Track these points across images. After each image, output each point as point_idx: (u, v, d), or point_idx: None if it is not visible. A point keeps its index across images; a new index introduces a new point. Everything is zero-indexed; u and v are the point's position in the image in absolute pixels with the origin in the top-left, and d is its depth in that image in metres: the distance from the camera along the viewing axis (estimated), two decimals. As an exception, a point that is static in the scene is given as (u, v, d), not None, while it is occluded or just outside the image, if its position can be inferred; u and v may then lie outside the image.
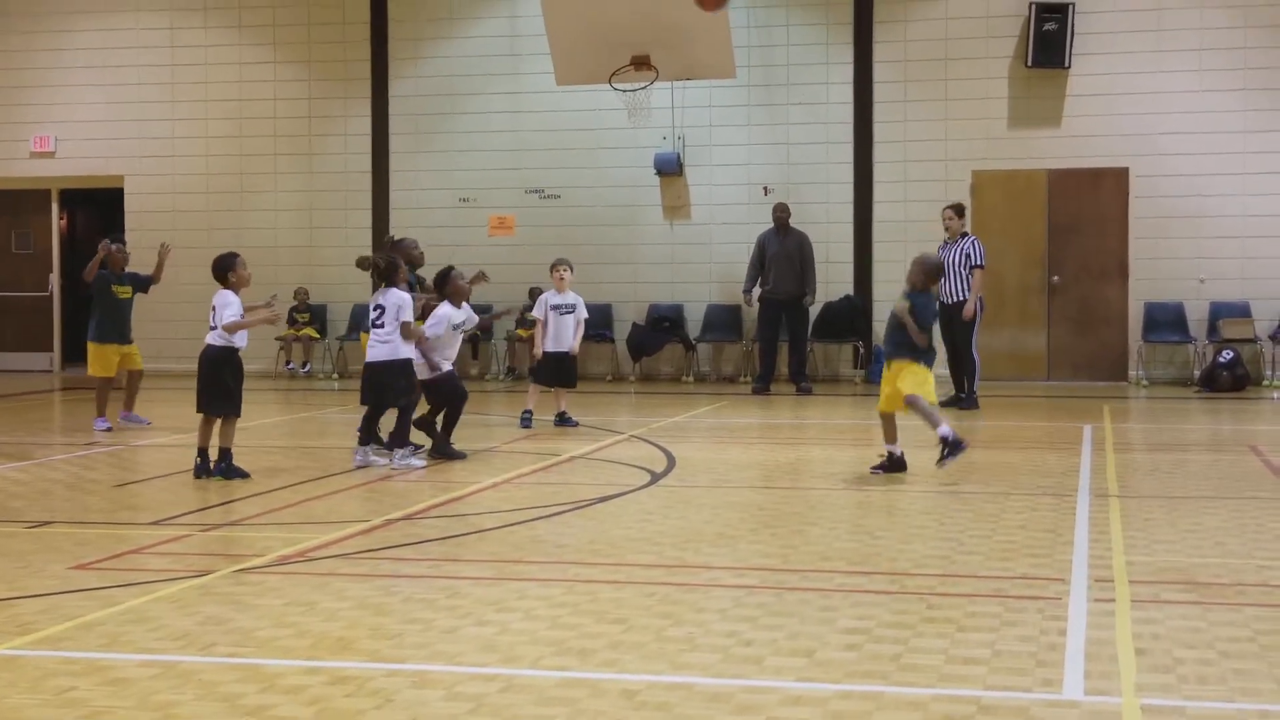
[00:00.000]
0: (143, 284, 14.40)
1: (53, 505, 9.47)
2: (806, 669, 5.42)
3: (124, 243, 14.75)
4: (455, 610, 6.39)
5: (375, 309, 11.31)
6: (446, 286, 12.03)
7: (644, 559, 7.56)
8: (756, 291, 18.52)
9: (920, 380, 10.43)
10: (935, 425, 10.31)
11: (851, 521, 8.92)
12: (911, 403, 10.33)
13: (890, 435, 10.63)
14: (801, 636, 5.90)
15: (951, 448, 10.24)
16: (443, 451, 11.62)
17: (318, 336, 21.30)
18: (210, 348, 10.62)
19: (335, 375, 21.11)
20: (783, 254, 18.29)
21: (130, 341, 14.26)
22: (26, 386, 19.59)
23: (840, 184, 19.77)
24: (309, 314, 21.10)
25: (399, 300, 11.23)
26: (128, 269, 14.44)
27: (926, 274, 10.72)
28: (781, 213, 18.53)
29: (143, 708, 4.91)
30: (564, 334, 14.10)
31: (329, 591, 6.76)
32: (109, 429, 13.66)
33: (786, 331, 18.40)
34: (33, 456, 12.07)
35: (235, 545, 8.05)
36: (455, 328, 11.94)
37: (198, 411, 10.67)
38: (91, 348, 14.09)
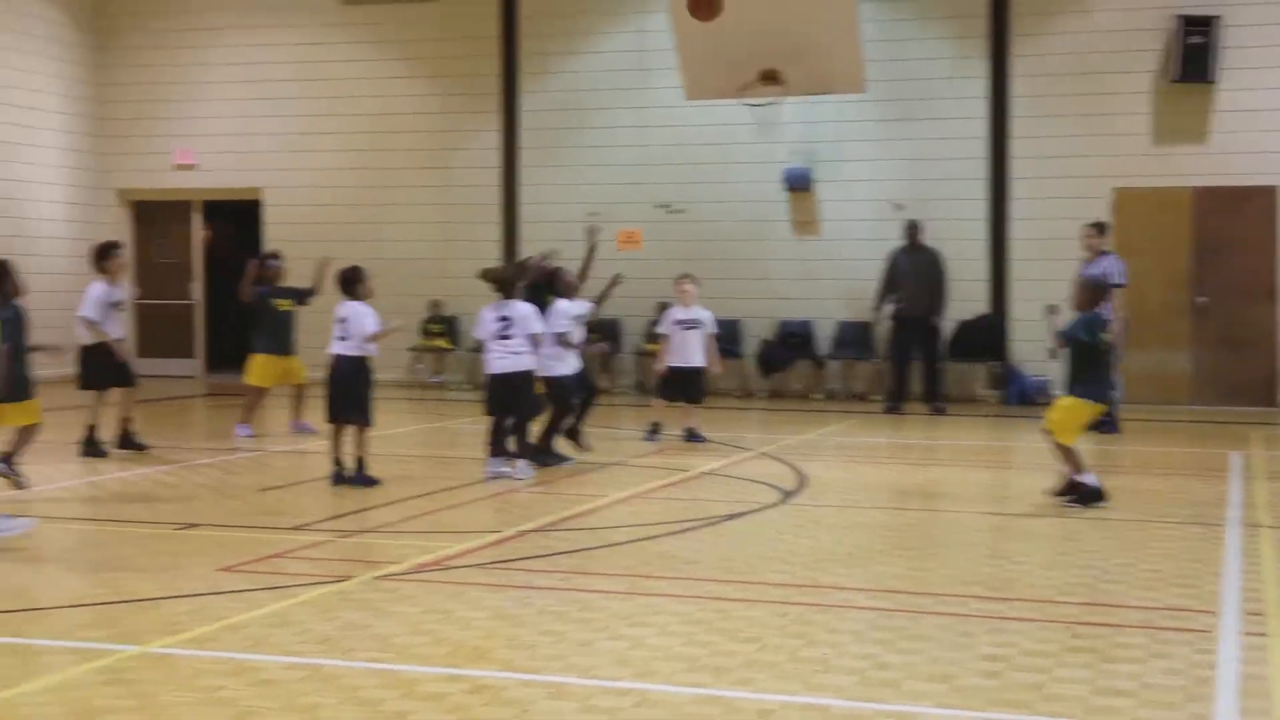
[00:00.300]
0: (301, 296, 14.64)
1: (199, 509, 9.69)
2: (946, 695, 5.38)
3: (278, 257, 14.95)
4: (589, 623, 6.44)
5: (501, 320, 11.42)
6: (558, 284, 12.25)
7: (776, 578, 7.55)
8: (887, 309, 18.39)
9: (1065, 413, 10.05)
10: (1070, 467, 10.07)
11: (988, 545, 8.82)
12: (1045, 435, 10.17)
13: (1074, 465, 10.08)
14: (940, 662, 5.85)
15: (1083, 497, 9.91)
16: (548, 456, 11.79)
17: (450, 347, 21.55)
18: (342, 358, 10.82)
19: (467, 385, 21.33)
20: (913, 271, 18.16)
21: (292, 353, 14.47)
22: (171, 392, 20.05)
23: (973, 200, 19.56)
24: (442, 324, 21.36)
25: (525, 312, 11.37)
26: (286, 282, 14.68)
27: (1086, 292, 10.37)
28: (913, 229, 18.41)
29: (289, 710, 5.01)
30: (689, 349, 14.15)
31: (464, 600, 6.84)
32: (251, 435, 13.94)
33: (918, 350, 18.24)
34: (179, 461, 12.37)
35: (372, 552, 8.18)
36: (577, 319, 12.09)
37: (329, 421, 10.87)
38: (255, 359, 14.35)
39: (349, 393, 10.80)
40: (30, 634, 6.07)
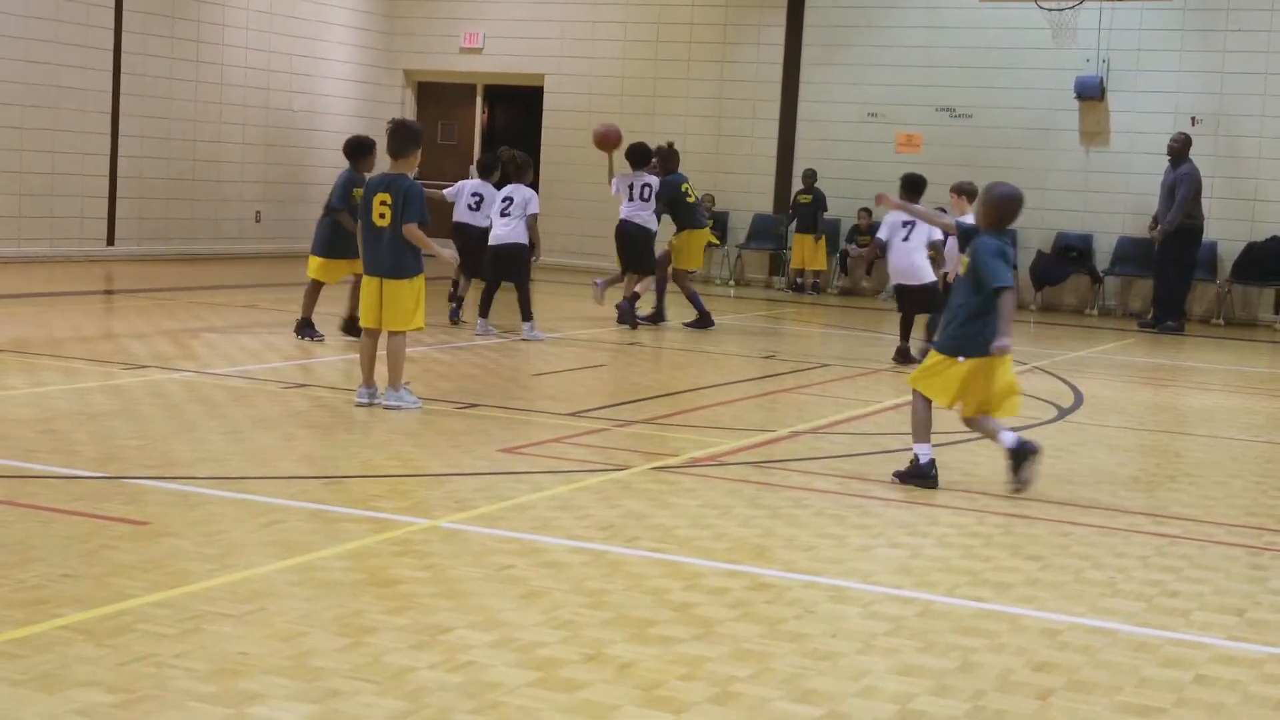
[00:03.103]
0: None
1: (478, 389, 9.95)
2: (1237, 628, 5.21)
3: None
4: (867, 529, 6.42)
5: (505, 200, 13.07)
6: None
7: (1057, 496, 7.39)
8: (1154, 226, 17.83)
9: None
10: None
11: (1278, 478, 8.47)
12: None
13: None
14: (1230, 594, 5.66)
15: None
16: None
17: (717, 243, 21.57)
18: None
19: (732, 283, 21.37)
20: (1167, 186, 17.45)
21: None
22: (443, 272, 20.58)
23: (1277, 118, 18.58)
24: (711, 220, 21.35)
25: (527, 196, 13.06)
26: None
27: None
28: (1175, 142, 17.60)
29: (577, 592, 5.14)
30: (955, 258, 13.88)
31: (742, 498, 6.89)
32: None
33: (1172, 266, 17.53)
34: (456, 340, 12.72)
35: (649, 443, 8.30)
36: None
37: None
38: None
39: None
40: (328, 501, 6.34)
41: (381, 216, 8.79)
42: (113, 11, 18.89)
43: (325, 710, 3.92)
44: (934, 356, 7.50)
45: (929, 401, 7.46)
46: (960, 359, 7.28)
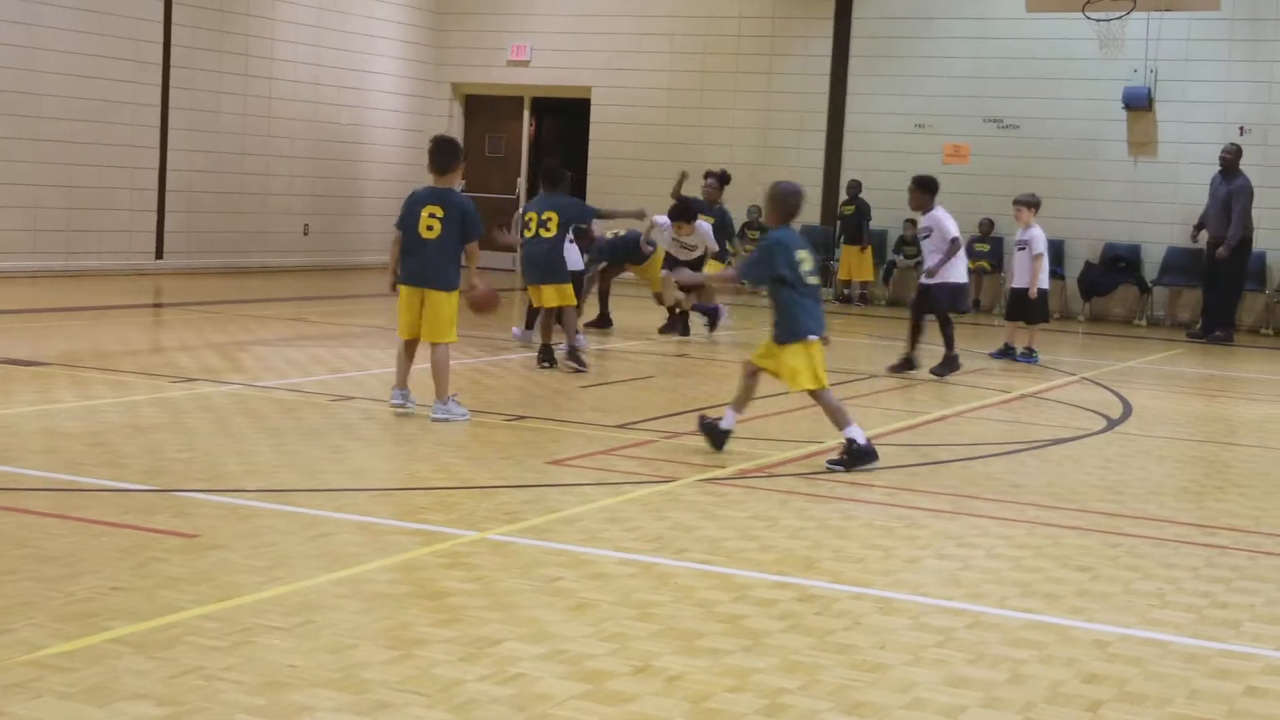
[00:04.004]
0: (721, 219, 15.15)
1: (526, 401, 9.98)
2: (1291, 641, 5.17)
3: (718, 179, 15.30)
4: (915, 541, 6.40)
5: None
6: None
7: (1106, 507, 7.35)
8: (1202, 236, 17.72)
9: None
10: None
11: (1331, 489, 8.38)
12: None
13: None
14: (1281, 605, 5.62)
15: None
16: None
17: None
18: None
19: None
20: (1218, 198, 17.33)
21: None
22: (495, 284, 20.63)
23: (1324, 128, 18.44)
24: (759, 233, 21.35)
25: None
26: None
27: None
28: (1228, 154, 17.48)
29: (625, 604, 5.14)
30: (1022, 270, 13.89)
31: (790, 509, 6.88)
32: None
33: (1218, 276, 17.45)
34: (502, 351, 12.76)
35: (697, 455, 8.29)
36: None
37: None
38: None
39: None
40: (376, 513, 6.37)
41: (430, 229, 8.86)
42: (161, 26, 19.07)
43: (375, 721, 3.94)
44: (789, 350, 8.01)
45: (823, 390, 8.06)
46: (810, 338, 8.01)
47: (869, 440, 8.02)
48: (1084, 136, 19.69)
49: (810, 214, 21.40)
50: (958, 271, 12.35)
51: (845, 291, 20.82)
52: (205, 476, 6.95)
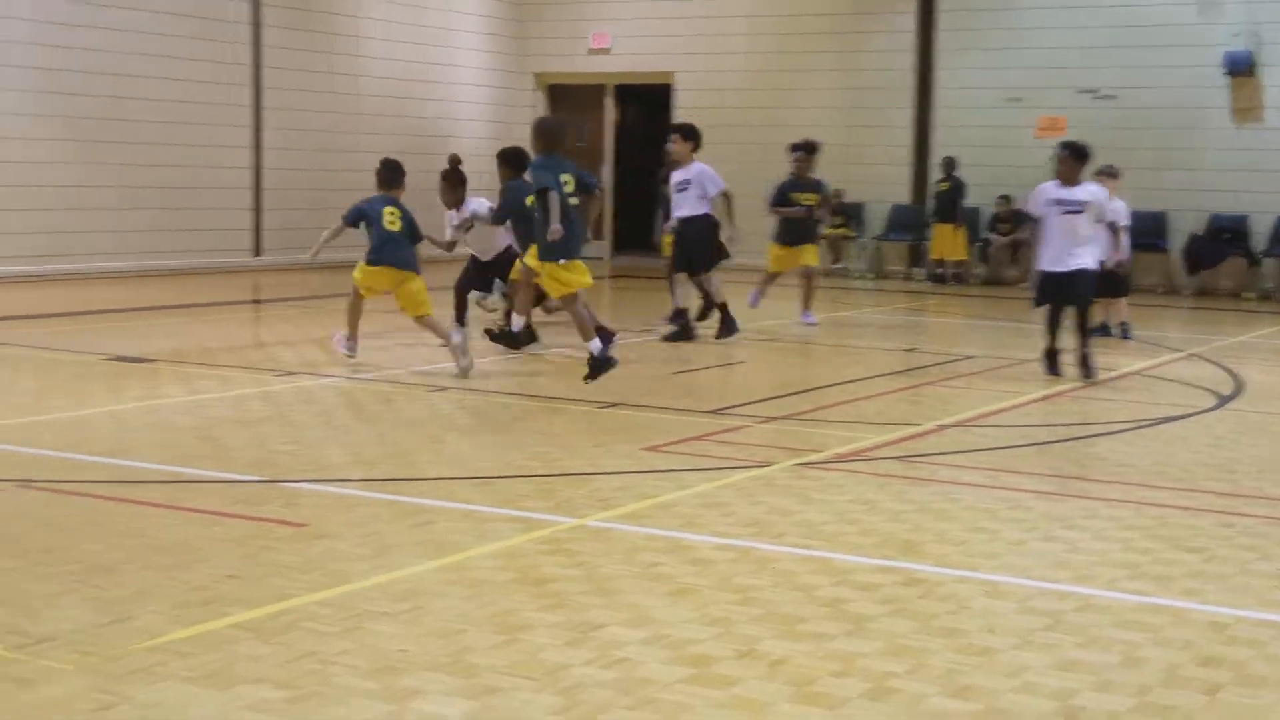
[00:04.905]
0: (820, 190, 14.41)
1: (618, 388, 9.94)
2: None
3: (806, 150, 14.70)
4: (1020, 523, 6.29)
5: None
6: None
7: (1218, 486, 7.18)
8: None
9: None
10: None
11: None
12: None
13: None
14: (1407, 586, 5.45)
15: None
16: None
17: (853, 235, 21.40)
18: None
19: (871, 275, 21.17)
20: None
21: (802, 243, 14.23)
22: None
23: None
24: (844, 214, 21.18)
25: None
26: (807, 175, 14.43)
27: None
28: None
29: (724, 589, 5.10)
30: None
31: (889, 492, 6.80)
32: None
33: None
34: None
35: (792, 439, 8.23)
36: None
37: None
38: (771, 248, 14.38)
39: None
40: (476, 501, 6.38)
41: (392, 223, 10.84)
42: (250, 27, 19.28)
43: (483, 707, 3.94)
44: (549, 268, 9.52)
45: (575, 297, 9.57)
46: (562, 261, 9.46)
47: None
48: (1185, 104, 19.30)
49: (899, 192, 21.20)
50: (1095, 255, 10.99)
51: (939, 271, 20.59)
52: (311, 467, 7.02)
